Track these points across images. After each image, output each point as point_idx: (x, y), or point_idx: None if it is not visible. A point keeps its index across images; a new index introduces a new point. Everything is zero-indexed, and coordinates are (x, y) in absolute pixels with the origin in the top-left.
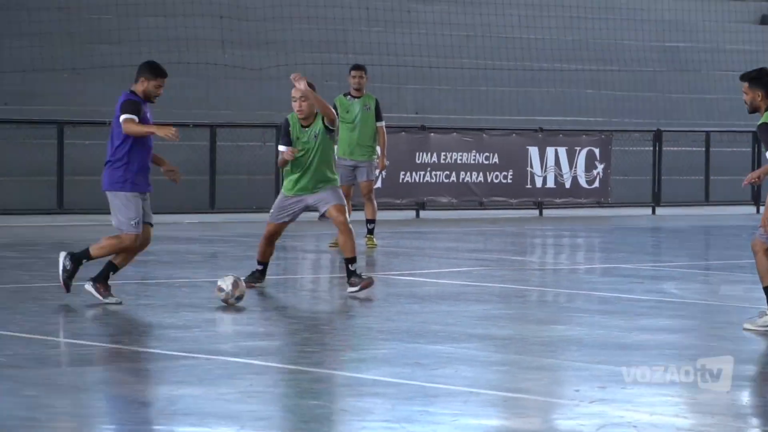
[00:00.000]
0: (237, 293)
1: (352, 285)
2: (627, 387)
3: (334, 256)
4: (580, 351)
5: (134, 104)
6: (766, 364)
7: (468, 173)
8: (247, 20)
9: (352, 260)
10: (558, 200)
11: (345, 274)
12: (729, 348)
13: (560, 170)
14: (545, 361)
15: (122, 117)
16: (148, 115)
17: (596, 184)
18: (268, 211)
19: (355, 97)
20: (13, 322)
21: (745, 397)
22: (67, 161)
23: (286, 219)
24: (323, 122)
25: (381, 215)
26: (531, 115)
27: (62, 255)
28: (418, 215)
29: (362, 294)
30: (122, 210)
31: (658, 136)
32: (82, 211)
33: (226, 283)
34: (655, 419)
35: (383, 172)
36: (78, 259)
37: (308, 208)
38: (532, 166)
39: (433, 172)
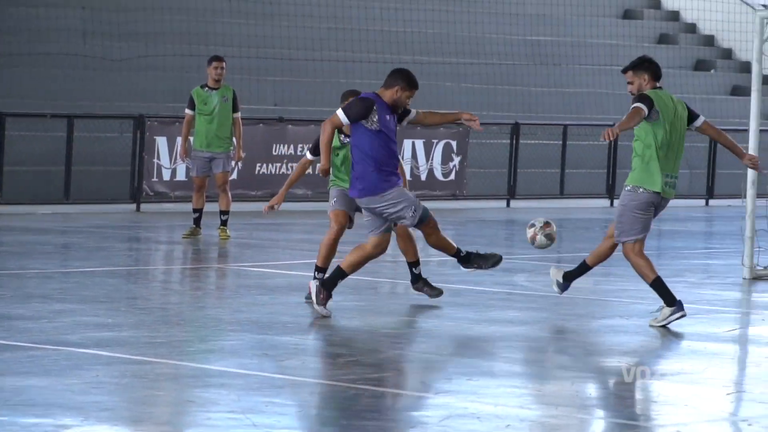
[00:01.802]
0: (547, 230)
1: None
2: (473, 378)
3: (187, 247)
4: (428, 343)
5: None
6: (610, 355)
7: None
8: (109, 11)
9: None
10: (414, 192)
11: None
12: (576, 340)
13: (417, 162)
14: (393, 353)
15: None
16: None
17: (452, 176)
18: (124, 202)
19: (213, 88)
20: None
21: (590, 389)
22: None
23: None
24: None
25: (236, 207)
26: None
27: None
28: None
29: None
30: None
31: (515, 129)
32: None
33: (538, 221)
34: (499, 410)
35: (239, 164)
36: None
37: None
38: None
39: (290, 164)
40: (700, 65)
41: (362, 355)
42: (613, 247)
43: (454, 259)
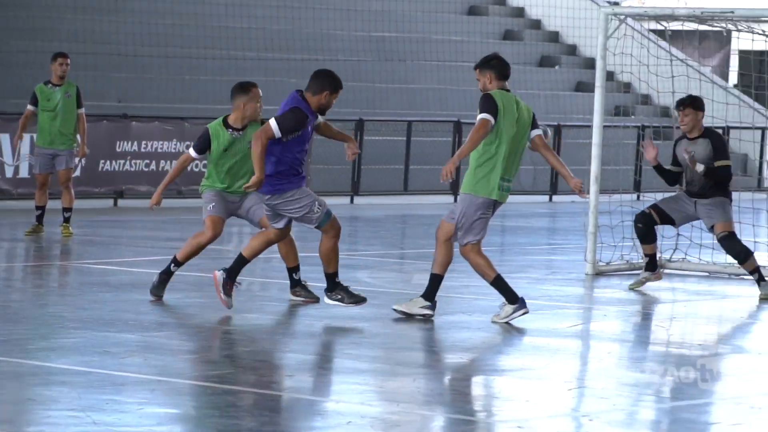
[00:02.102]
0: None
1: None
2: (315, 375)
3: (29, 244)
4: (271, 340)
5: None
6: (453, 351)
7: (169, 162)
8: None
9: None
10: None
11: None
12: (419, 336)
13: None
14: (237, 350)
15: None
16: None
17: None
18: None
19: (56, 85)
20: None
21: (432, 385)
22: None
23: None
24: None
25: (79, 204)
26: None
27: None
28: (116, 204)
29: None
30: None
31: (360, 126)
32: None
33: None
34: (341, 407)
35: (83, 161)
36: None
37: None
38: None
39: (133, 161)
40: (545, 61)
41: (205, 353)
42: (451, 247)
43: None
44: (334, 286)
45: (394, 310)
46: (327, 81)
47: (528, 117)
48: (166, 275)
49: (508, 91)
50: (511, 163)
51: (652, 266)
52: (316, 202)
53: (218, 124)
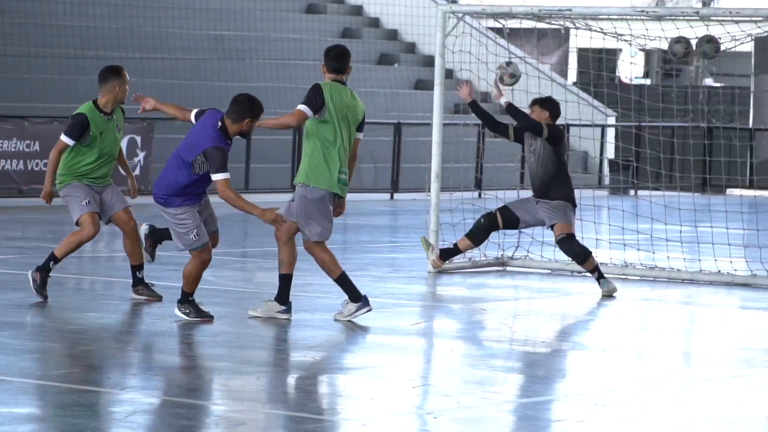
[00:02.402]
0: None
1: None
2: (156, 374)
3: None
4: (114, 339)
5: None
6: (296, 350)
7: (8, 161)
8: None
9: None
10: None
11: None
12: (262, 334)
13: None
14: (78, 349)
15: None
16: None
17: (137, 171)
18: None
19: None
20: None
21: (276, 383)
22: None
23: None
24: None
25: None
26: (76, 103)
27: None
28: None
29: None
30: None
31: None
32: None
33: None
34: (186, 405)
35: None
36: None
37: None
38: None
39: None
40: (384, 59)
41: (49, 352)
42: (294, 245)
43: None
44: (186, 300)
45: (251, 316)
46: (249, 109)
47: (361, 113)
48: (46, 273)
49: (343, 84)
50: (345, 156)
51: (446, 254)
52: (196, 230)
53: (90, 108)
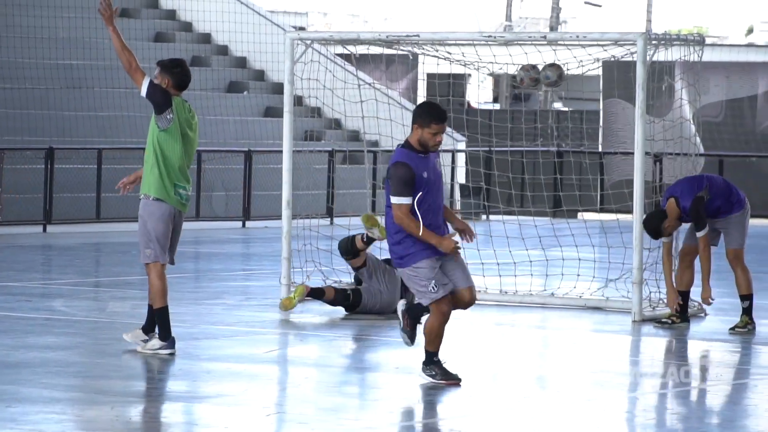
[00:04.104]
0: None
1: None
2: (12, 405)
3: None
4: None
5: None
6: (149, 380)
7: None
8: None
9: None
10: None
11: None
12: (116, 364)
13: None
14: None
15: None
16: None
17: None
18: None
19: None
20: None
21: (129, 414)
22: None
23: None
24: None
25: None
26: None
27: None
28: None
29: None
30: None
31: (50, 154)
32: None
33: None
34: None
35: None
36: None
37: None
38: None
39: None
40: (233, 87)
41: None
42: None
43: None
44: (429, 360)
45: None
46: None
47: (196, 130)
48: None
49: (185, 101)
50: (186, 171)
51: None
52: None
53: None
